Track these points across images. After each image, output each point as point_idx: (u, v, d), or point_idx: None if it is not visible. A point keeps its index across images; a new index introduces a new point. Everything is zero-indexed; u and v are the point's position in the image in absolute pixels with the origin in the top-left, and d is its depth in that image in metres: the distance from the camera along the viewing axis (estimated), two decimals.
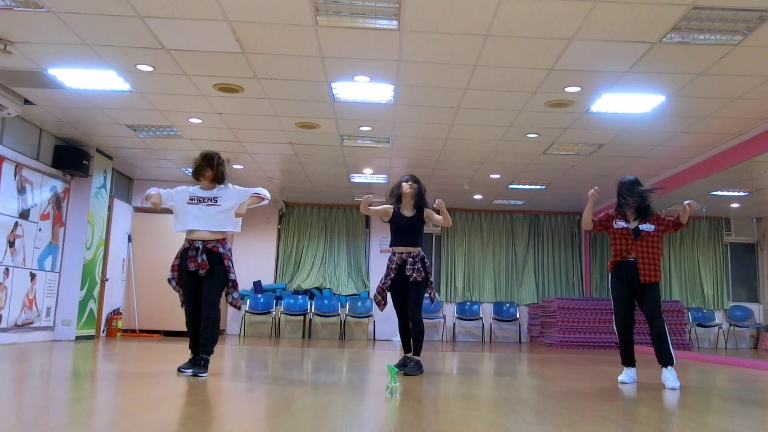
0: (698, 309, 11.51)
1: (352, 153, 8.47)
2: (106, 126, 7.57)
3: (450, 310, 11.96)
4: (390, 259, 5.08)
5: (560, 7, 4.38)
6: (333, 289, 11.81)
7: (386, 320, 11.45)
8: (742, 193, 9.91)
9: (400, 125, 7.21)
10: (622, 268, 4.74)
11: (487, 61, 5.34)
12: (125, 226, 9.99)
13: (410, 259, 5.00)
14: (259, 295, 11.34)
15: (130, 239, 10.10)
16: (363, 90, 6.10)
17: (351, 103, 6.48)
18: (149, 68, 5.70)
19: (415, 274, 4.94)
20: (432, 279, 5.11)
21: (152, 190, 4.69)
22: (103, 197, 8.92)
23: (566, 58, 5.22)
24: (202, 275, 4.51)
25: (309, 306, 11.33)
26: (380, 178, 9.98)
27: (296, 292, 11.59)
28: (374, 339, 11.23)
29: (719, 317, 11.53)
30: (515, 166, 8.93)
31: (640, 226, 4.72)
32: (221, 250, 4.55)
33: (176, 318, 9.98)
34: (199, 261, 4.49)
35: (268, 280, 11.84)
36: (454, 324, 11.76)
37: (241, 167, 9.45)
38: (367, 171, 9.54)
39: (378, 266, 11.83)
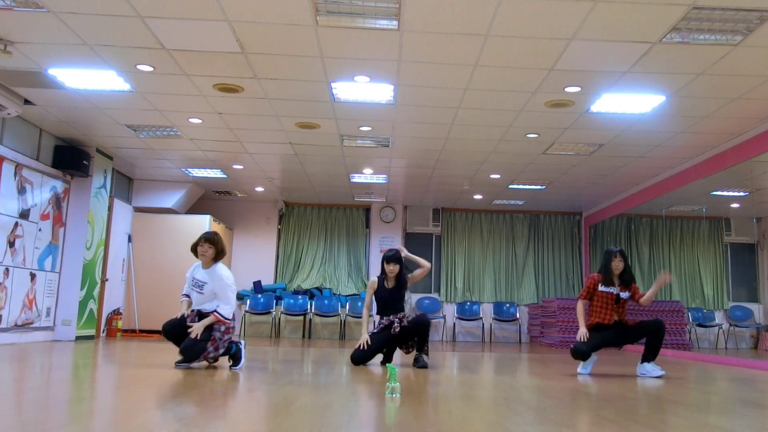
0: (698, 309, 11.51)
1: (352, 153, 8.47)
2: (106, 126, 7.57)
3: (450, 310, 11.96)
4: (379, 322, 5.58)
5: (560, 7, 4.38)
6: (333, 289, 11.81)
7: None
8: (742, 193, 9.90)
9: (400, 125, 7.21)
10: (601, 329, 5.26)
11: (487, 61, 5.34)
12: (125, 226, 9.99)
13: (396, 320, 5.49)
14: (259, 295, 11.35)
15: (130, 239, 10.10)
16: (363, 90, 6.10)
17: (351, 103, 6.48)
18: (149, 68, 5.70)
19: (403, 324, 5.44)
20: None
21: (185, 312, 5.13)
22: (103, 197, 8.92)
23: (566, 58, 5.22)
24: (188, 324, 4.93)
25: (309, 306, 11.33)
26: (380, 178, 9.99)
27: (296, 292, 11.59)
28: None
29: (719, 317, 11.53)
30: (515, 166, 8.93)
31: (621, 294, 5.26)
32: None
33: None
34: (192, 318, 4.95)
35: (268, 280, 11.84)
36: (454, 324, 11.76)
37: (242, 167, 9.45)
38: (367, 171, 9.54)
39: (378, 266, 11.77)
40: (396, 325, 5.44)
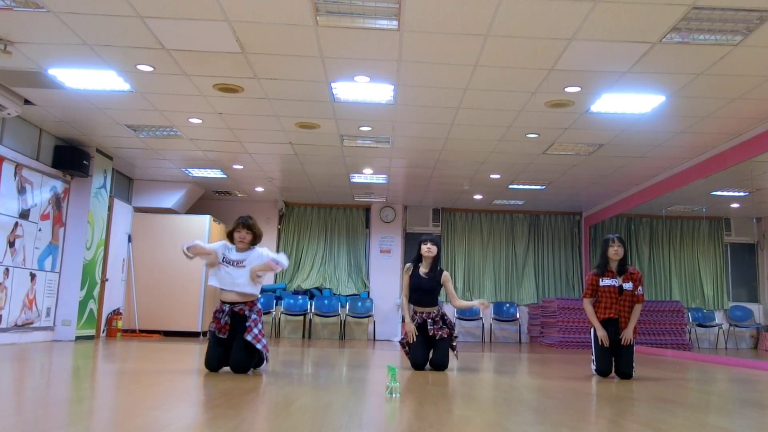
0: (698, 309, 11.50)
1: (352, 153, 8.47)
2: (106, 126, 7.57)
3: (450, 310, 11.94)
4: (411, 317, 5.36)
5: (560, 7, 4.38)
6: (333, 290, 11.81)
7: (386, 320, 11.45)
8: (742, 193, 9.90)
9: (400, 125, 7.21)
10: (607, 325, 5.09)
11: (487, 61, 5.34)
12: (125, 226, 9.99)
13: (430, 320, 5.27)
14: (259, 295, 11.33)
15: (130, 239, 10.10)
16: (363, 90, 6.10)
17: (351, 103, 6.48)
18: (149, 68, 5.69)
19: (440, 333, 5.21)
20: (456, 334, 5.42)
21: (191, 243, 4.71)
22: (103, 197, 8.92)
23: (566, 58, 5.22)
24: (222, 338, 4.60)
25: (309, 306, 11.33)
26: (380, 178, 9.98)
27: (296, 293, 11.59)
28: (374, 339, 11.23)
29: (719, 317, 11.53)
30: (515, 166, 8.93)
31: (624, 285, 5.06)
32: (247, 313, 4.65)
33: (176, 318, 10.00)
34: (222, 323, 4.60)
35: (267, 280, 11.83)
36: (454, 324, 11.73)
37: (242, 167, 9.45)
38: (367, 171, 9.54)
39: (378, 266, 11.83)
40: (430, 327, 5.22)
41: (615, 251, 5.06)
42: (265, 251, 4.78)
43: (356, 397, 3.52)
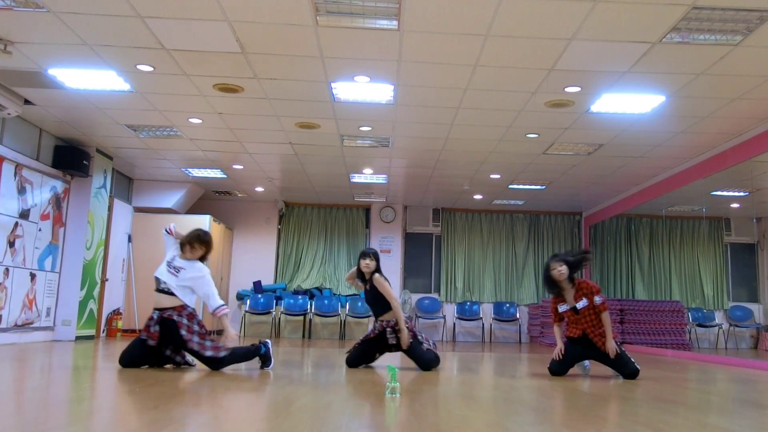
0: (698, 309, 11.50)
1: (352, 153, 8.47)
2: (106, 126, 7.57)
3: (450, 310, 11.96)
4: (374, 325, 5.39)
5: (560, 7, 4.38)
6: (333, 290, 11.81)
7: None
8: (742, 193, 9.91)
9: (400, 125, 7.21)
10: (576, 342, 5.03)
11: (487, 61, 5.34)
12: (125, 226, 9.99)
13: (389, 329, 5.22)
14: (259, 295, 11.35)
15: (130, 239, 10.10)
16: (363, 90, 6.10)
17: (351, 103, 6.48)
18: (149, 68, 5.70)
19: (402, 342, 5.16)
20: (421, 339, 5.28)
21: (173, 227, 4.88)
22: (103, 197, 8.92)
23: (566, 58, 5.22)
24: (152, 345, 4.65)
25: (309, 306, 11.33)
26: (380, 178, 9.99)
27: (296, 292, 11.59)
28: None
29: (719, 317, 11.53)
30: (515, 166, 8.93)
31: (576, 305, 4.94)
32: (176, 318, 4.62)
33: None
34: (151, 331, 4.64)
35: (268, 280, 11.84)
36: (454, 324, 11.76)
37: (242, 167, 9.45)
38: (367, 171, 9.54)
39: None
40: (391, 337, 5.18)
41: (559, 272, 4.86)
42: (202, 268, 4.76)
43: (356, 397, 3.52)
